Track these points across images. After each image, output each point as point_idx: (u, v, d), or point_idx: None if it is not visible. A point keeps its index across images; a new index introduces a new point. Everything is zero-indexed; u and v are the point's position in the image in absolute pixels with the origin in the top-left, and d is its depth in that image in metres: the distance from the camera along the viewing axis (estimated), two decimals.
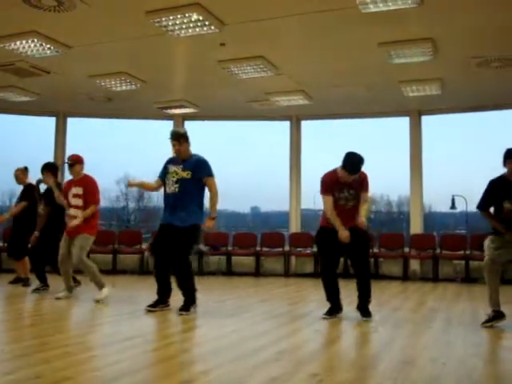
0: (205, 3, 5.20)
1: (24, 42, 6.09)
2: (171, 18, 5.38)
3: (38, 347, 3.51)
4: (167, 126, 10.08)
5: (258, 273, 9.47)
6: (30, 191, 6.87)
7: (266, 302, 6.13)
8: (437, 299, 6.64)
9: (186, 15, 5.32)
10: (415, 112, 9.42)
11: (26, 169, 7.11)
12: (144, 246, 9.69)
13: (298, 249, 9.58)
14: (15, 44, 6.15)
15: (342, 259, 8.79)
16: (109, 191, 20.63)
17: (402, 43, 6.07)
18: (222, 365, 3.18)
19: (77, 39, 6.19)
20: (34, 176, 6.93)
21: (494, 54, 6.48)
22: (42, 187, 6.73)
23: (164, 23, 5.51)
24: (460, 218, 19.79)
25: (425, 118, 9.52)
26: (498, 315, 4.47)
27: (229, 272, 9.52)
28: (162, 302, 5.11)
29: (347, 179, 4.73)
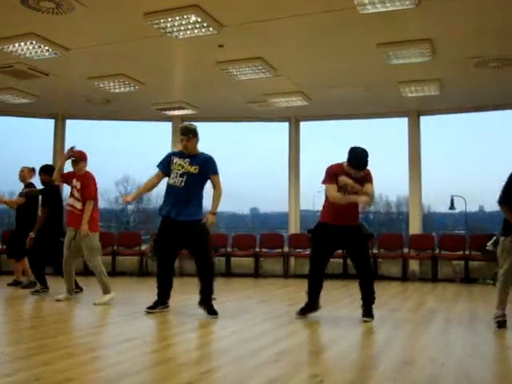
0: (203, 5, 5.20)
1: (22, 44, 6.09)
2: (170, 19, 5.39)
3: (37, 349, 3.51)
4: (166, 128, 10.13)
5: (257, 274, 9.47)
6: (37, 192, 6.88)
7: (265, 303, 6.13)
8: (436, 299, 6.64)
9: (185, 17, 5.33)
10: (414, 112, 9.42)
11: (33, 170, 7.13)
12: (143, 247, 9.69)
13: (298, 250, 9.56)
14: (14, 46, 6.15)
15: (341, 259, 8.93)
16: (108, 193, 20.57)
17: (400, 44, 6.08)
18: (223, 366, 3.19)
19: (75, 41, 6.19)
20: (35, 179, 7.00)
21: (492, 55, 6.49)
22: (39, 187, 6.78)
23: (162, 25, 5.52)
24: (459, 218, 19.75)
25: (423, 119, 9.53)
26: (501, 323, 4.41)
27: (228, 273, 9.51)
28: (161, 303, 5.11)
29: (355, 175, 4.65)
